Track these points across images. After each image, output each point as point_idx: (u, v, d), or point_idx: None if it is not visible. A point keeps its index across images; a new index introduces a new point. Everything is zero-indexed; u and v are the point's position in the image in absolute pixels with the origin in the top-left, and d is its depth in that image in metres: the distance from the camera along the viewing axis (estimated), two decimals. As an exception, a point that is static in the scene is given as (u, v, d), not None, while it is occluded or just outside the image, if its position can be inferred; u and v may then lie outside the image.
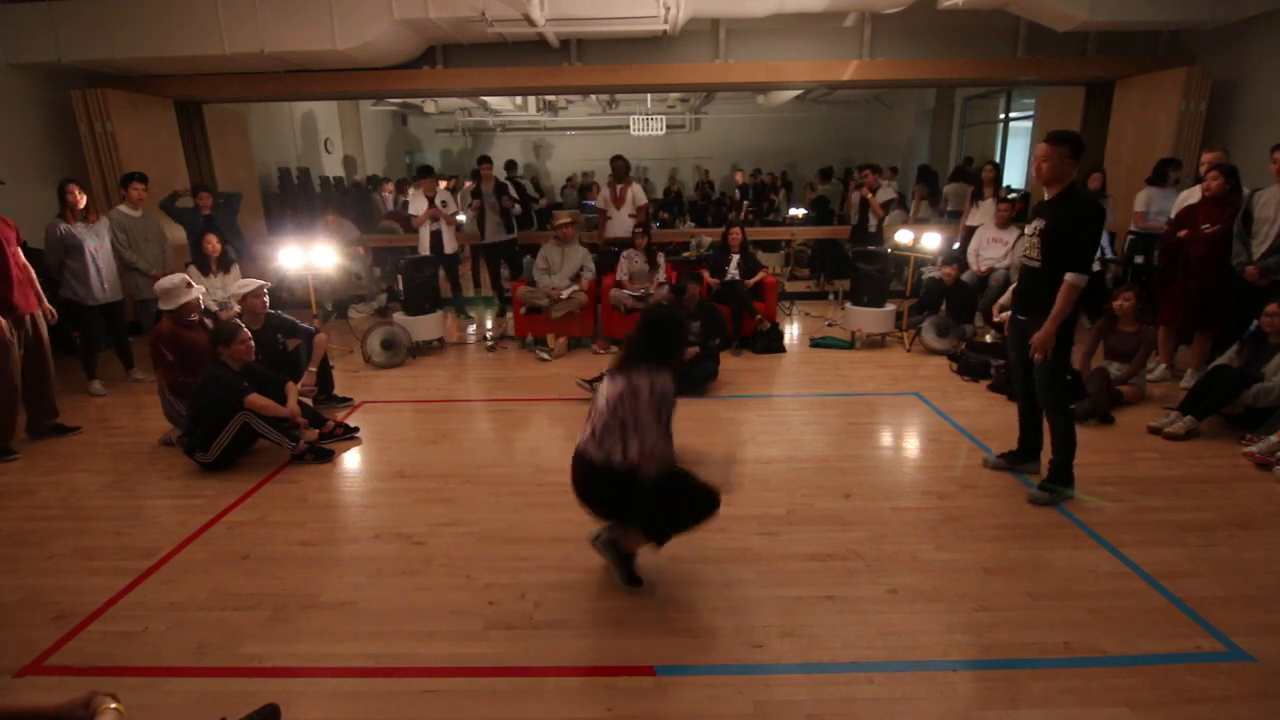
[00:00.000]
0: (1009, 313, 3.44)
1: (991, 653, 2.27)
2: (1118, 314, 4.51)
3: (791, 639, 2.36)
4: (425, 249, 6.60)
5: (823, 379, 5.20)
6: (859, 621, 2.44)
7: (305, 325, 4.68)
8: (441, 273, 6.71)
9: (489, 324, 7.02)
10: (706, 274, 6.15)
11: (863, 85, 8.35)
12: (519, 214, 7.34)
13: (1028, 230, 3.19)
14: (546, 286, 6.03)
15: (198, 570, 2.85)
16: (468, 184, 8.62)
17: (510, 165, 10.75)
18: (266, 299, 4.48)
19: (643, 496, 2.39)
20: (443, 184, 7.34)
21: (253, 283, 4.46)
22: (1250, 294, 4.18)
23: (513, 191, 7.25)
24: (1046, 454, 3.45)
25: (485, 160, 7.06)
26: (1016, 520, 3.10)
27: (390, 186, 10.30)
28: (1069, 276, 2.98)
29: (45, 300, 4.29)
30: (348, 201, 9.95)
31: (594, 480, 2.47)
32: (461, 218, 7.36)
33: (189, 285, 4.07)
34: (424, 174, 6.76)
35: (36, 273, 4.31)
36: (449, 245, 6.76)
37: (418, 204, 6.60)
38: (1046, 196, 3.11)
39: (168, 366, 3.96)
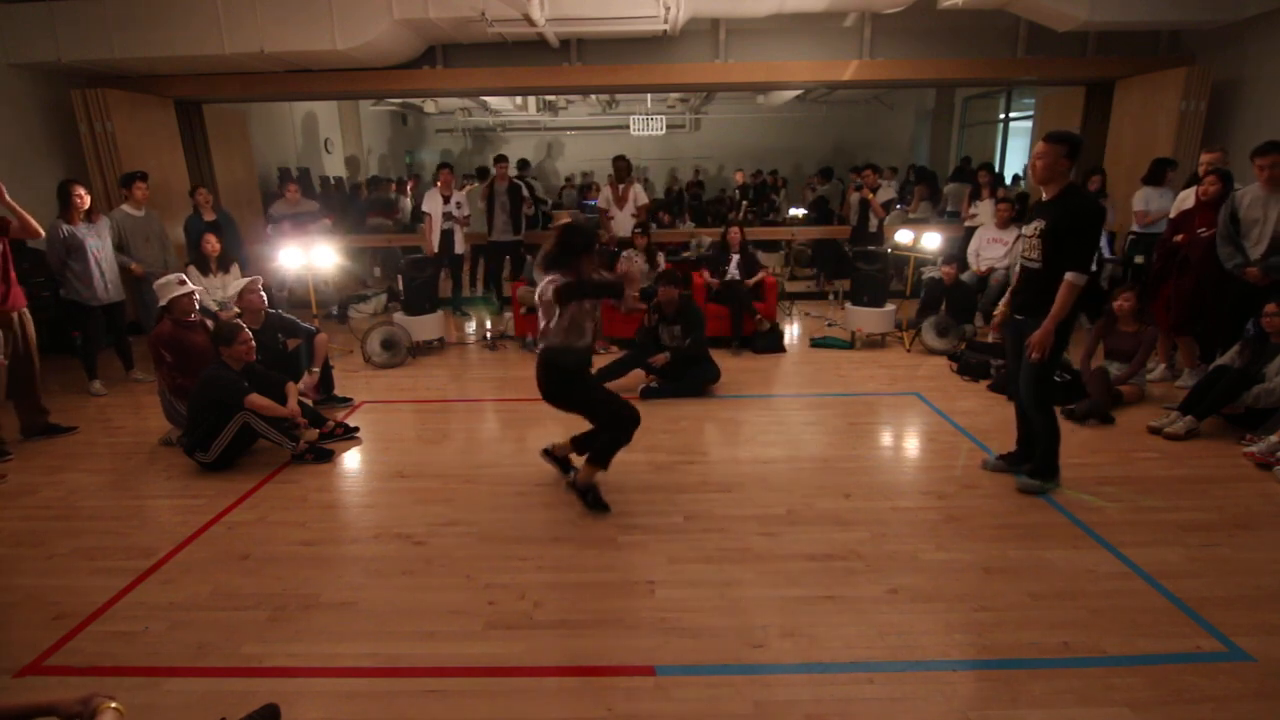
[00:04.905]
0: (1002, 308, 3.43)
1: (991, 653, 2.27)
2: (1117, 314, 4.51)
3: (791, 639, 2.36)
4: (435, 249, 6.59)
5: (823, 379, 5.20)
6: (859, 621, 2.44)
7: (305, 325, 4.68)
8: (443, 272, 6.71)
9: (488, 324, 7.02)
10: (706, 274, 6.15)
11: (863, 85, 8.34)
12: (530, 214, 7.32)
13: (1026, 231, 3.18)
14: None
15: (198, 570, 2.85)
16: (467, 185, 8.60)
17: (523, 164, 10.72)
18: (263, 295, 4.48)
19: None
20: None
21: (245, 280, 4.47)
22: (1249, 295, 4.17)
23: (525, 192, 7.24)
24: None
25: (501, 159, 7.07)
26: (1016, 520, 3.10)
27: (392, 186, 10.27)
28: (1069, 276, 2.98)
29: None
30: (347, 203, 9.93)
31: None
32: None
33: (181, 282, 4.07)
34: (441, 169, 6.76)
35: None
36: (459, 245, 6.75)
37: (433, 202, 6.58)
38: (1045, 197, 3.10)
39: (167, 368, 3.96)
